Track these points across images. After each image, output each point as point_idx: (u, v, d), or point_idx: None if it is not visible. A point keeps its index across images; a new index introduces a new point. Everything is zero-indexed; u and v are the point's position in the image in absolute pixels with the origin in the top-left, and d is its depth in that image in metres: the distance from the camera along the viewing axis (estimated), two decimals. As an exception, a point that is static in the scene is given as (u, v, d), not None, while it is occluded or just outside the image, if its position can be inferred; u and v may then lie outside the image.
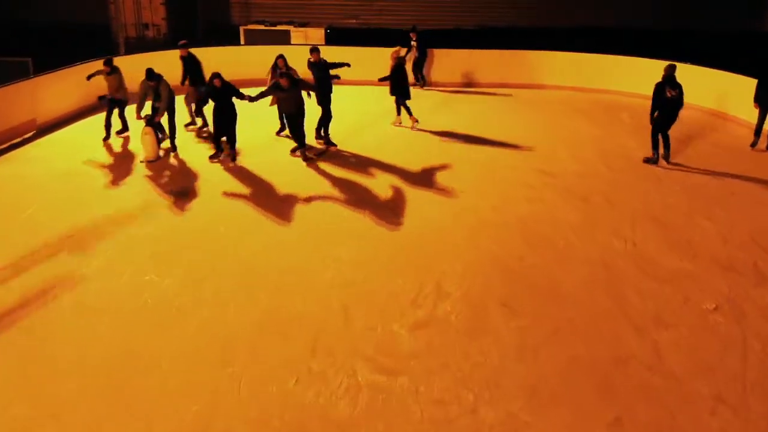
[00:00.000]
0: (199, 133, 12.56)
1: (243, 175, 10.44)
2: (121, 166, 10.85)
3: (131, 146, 11.80)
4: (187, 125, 12.70)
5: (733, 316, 6.75)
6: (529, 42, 17.52)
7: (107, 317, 6.68)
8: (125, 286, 7.23)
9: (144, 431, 5.18)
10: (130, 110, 11.82)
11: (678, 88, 10.64)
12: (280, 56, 11.69)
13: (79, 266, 7.63)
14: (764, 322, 6.66)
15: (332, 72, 11.71)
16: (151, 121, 10.91)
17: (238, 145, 11.03)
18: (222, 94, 10.50)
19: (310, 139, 11.53)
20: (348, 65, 11.88)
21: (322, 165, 10.87)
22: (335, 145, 11.80)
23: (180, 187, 9.82)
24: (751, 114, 12.72)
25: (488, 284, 7.30)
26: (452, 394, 5.55)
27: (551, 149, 11.96)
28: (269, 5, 21.47)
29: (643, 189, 10.10)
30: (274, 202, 9.43)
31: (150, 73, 11.01)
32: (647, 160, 11.26)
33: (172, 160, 11.14)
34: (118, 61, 13.88)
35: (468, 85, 16.79)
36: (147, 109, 11.26)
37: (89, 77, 12.18)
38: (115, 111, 12.09)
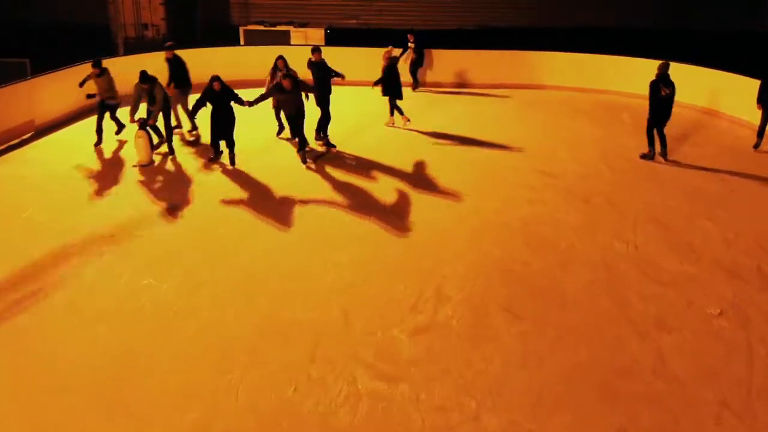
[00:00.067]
0: (183, 136, 12.34)
1: (242, 178, 10.36)
2: (116, 170, 10.69)
3: (126, 150, 11.60)
4: (173, 129, 12.29)
5: (737, 321, 6.67)
6: (530, 42, 17.44)
7: (104, 321, 6.60)
8: (123, 290, 7.15)
9: (141, 440, 5.11)
10: (123, 113, 11.64)
11: (672, 86, 10.77)
12: (280, 57, 11.64)
13: (77, 269, 7.55)
14: (769, 327, 6.59)
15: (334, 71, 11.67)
16: (145, 125, 10.75)
17: (236, 148, 10.90)
18: (221, 98, 10.37)
19: (310, 140, 11.42)
20: (342, 77, 11.78)
21: (323, 167, 10.79)
22: (335, 147, 11.72)
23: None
24: (753, 115, 12.66)
25: (490, 288, 7.22)
26: (454, 402, 5.46)
27: (552, 150, 11.89)
28: (269, 5, 21.39)
29: (645, 190, 10.02)
30: (273, 206, 9.35)
31: (143, 76, 10.83)
32: (644, 156, 11.39)
33: (169, 164, 11.00)
34: (118, 62, 13.85)
35: (468, 85, 16.71)
36: (141, 112, 11.12)
37: (81, 84, 11.87)
38: (107, 114, 11.77)
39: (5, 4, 21.42)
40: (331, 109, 11.76)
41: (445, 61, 16.93)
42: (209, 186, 10.05)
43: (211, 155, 10.99)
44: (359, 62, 13.54)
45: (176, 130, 12.33)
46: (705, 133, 13.15)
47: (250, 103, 10.58)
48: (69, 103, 13.37)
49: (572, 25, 19.79)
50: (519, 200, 9.61)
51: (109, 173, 10.56)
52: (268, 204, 9.40)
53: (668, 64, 10.88)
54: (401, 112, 12.96)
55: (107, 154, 11.53)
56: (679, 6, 19.51)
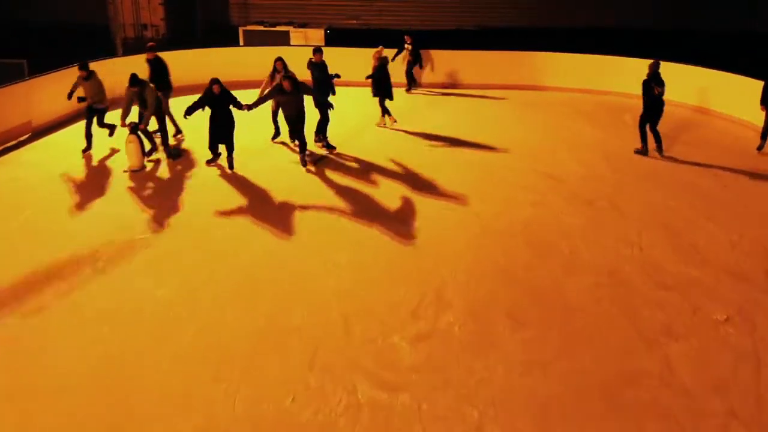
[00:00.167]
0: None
1: (240, 181, 10.22)
2: (108, 175, 10.49)
3: (118, 155, 11.27)
4: (154, 132, 11.87)
5: (744, 327, 6.54)
6: (530, 42, 17.35)
7: (101, 325, 6.48)
8: (119, 294, 7.02)
9: (135, 451, 4.99)
10: (114, 118, 11.35)
11: (663, 84, 10.93)
12: (279, 59, 11.47)
13: (74, 272, 7.43)
14: (777, 334, 6.46)
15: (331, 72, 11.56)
16: (136, 129, 10.52)
17: (234, 151, 10.75)
18: (220, 102, 10.21)
19: (310, 142, 11.28)
20: (338, 76, 11.67)
21: (322, 170, 10.65)
22: (334, 148, 11.59)
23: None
24: (753, 115, 12.57)
25: (492, 293, 7.09)
26: (456, 412, 5.32)
27: (553, 151, 11.78)
28: (268, 6, 21.27)
29: (648, 192, 9.90)
30: (272, 209, 9.22)
31: (134, 79, 10.60)
32: (638, 151, 11.56)
33: (163, 168, 10.80)
34: (117, 62, 13.75)
35: (468, 86, 16.58)
36: (134, 116, 10.89)
37: (70, 95, 11.37)
38: (96, 120, 11.38)
39: (5, 4, 21.33)
40: (339, 110, 11.63)
41: (444, 62, 16.83)
42: (207, 189, 9.92)
43: (209, 158, 10.86)
44: (359, 63, 13.40)
45: (177, 136, 12.16)
46: (705, 134, 13.06)
47: (249, 107, 10.42)
48: (66, 105, 13.14)
49: (572, 25, 19.71)
50: (520, 202, 9.49)
51: (101, 178, 10.35)
52: (267, 207, 9.27)
53: (659, 63, 11.02)
54: (388, 113, 12.95)
55: (100, 158, 11.25)
56: (679, 6, 19.45)
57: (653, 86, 10.91)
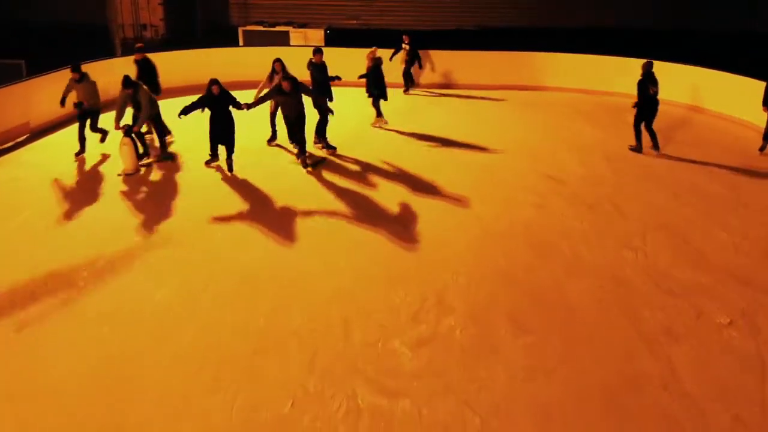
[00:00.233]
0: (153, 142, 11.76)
1: (239, 183, 10.14)
2: (106, 177, 10.38)
3: (114, 157, 11.04)
4: (147, 133, 11.79)
5: (748, 331, 6.47)
6: (530, 42, 17.32)
7: (99, 327, 6.42)
8: (118, 296, 6.94)
9: (131, 458, 4.92)
10: (107, 121, 11.12)
11: (657, 83, 11.20)
12: (278, 60, 11.37)
13: (72, 274, 7.35)
14: (782, 338, 6.38)
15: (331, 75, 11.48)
16: (130, 132, 10.35)
17: (234, 153, 10.65)
18: (220, 103, 10.11)
19: (309, 144, 11.21)
20: (339, 78, 11.57)
21: (322, 173, 10.57)
22: (335, 149, 11.52)
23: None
24: (755, 116, 12.52)
25: (493, 297, 7.01)
26: (457, 418, 5.24)
27: (554, 152, 11.72)
28: (268, 6, 21.22)
29: (650, 194, 9.83)
30: (271, 211, 9.14)
31: (126, 81, 10.45)
32: (632, 149, 11.74)
33: (158, 171, 10.66)
34: (116, 62, 13.67)
35: (467, 87, 16.52)
36: (127, 118, 10.75)
37: (62, 102, 11.10)
38: (89, 124, 11.15)
39: (5, 4, 21.26)
40: (338, 112, 11.58)
41: (444, 62, 16.77)
42: (205, 191, 9.84)
43: (208, 158, 10.77)
44: (359, 63, 13.31)
45: (147, 136, 11.70)
46: (706, 134, 13.03)
47: (249, 106, 10.35)
48: (68, 105, 13.14)
49: (572, 25, 19.67)
50: (521, 204, 9.42)
51: (96, 181, 10.21)
52: (266, 209, 9.20)
53: (652, 63, 11.32)
54: (380, 113, 12.93)
55: (96, 161, 11.07)
56: (679, 6, 19.44)
57: (648, 86, 11.12)
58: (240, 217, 8.94)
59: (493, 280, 7.35)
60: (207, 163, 10.71)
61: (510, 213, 9.11)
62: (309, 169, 10.64)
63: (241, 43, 19.86)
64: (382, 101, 12.94)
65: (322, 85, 11.39)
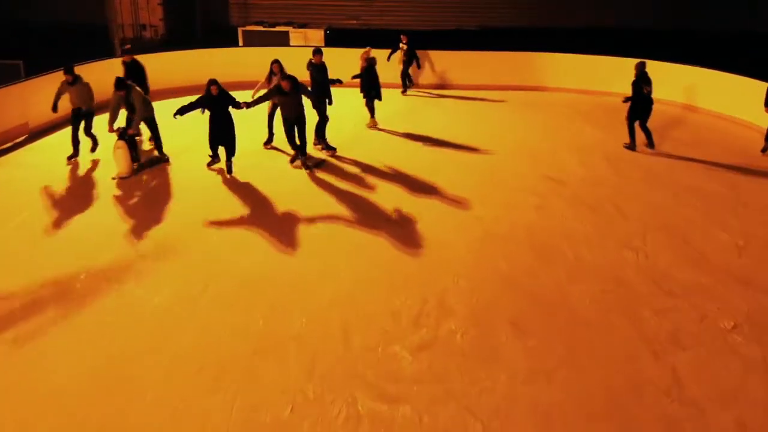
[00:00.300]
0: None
1: (238, 185, 10.06)
2: (100, 181, 10.24)
3: (107, 161, 10.81)
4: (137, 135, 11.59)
5: (752, 335, 6.40)
6: (530, 42, 17.27)
7: (97, 330, 6.36)
8: (116, 299, 6.88)
9: (129, 464, 4.86)
10: (100, 123, 10.86)
11: (650, 83, 11.40)
12: (275, 61, 11.29)
13: (68, 278, 7.29)
14: (786, 342, 6.32)
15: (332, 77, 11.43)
16: (124, 135, 10.19)
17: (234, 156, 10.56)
18: (219, 103, 10.02)
19: (309, 145, 11.13)
20: (340, 81, 11.55)
21: (321, 174, 10.50)
22: (335, 149, 11.45)
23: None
24: (756, 116, 12.48)
25: (495, 300, 6.95)
26: (458, 424, 5.18)
27: (555, 153, 11.67)
28: (268, 6, 21.18)
29: (651, 195, 9.78)
30: (270, 214, 9.07)
31: (119, 82, 10.26)
32: (626, 146, 11.86)
33: (153, 175, 10.53)
34: (115, 63, 13.54)
35: (467, 87, 16.46)
36: (121, 121, 10.60)
37: (54, 107, 10.85)
38: (83, 127, 10.92)
39: (5, 4, 21.22)
40: (330, 113, 11.51)
41: (443, 63, 16.71)
42: (202, 194, 9.76)
43: (209, 160, 10.69)
44: (359, 64, 13.25)
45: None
46: (706, 134, 13.02)
47: (248, 105, 10.27)
48: (64, 106, 13.04)
49: (572, 25, 19.64)
50: (522, 205, 9.36)
51: (91, 185, 10.10)
52: (265, 212, 9.13)
53: (645, 63, 11.57)
54: (372, 114, 12.91)
55: (92, 164, 10.93)
56: (679, 6, 19.43)
57: (642, 86, 11.31)
58: (239, 219, 8.87)
59: (494, 283, 7.29)
60: (209, 165, 10.63)
61: (511, 215, 9.05)
62: (309, 170, 10.56)
63: (240, 43, 19.81)
64: (377, 102, 12.89)
65: (321, 86, 11.32)
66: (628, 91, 11.75)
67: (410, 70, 15.98)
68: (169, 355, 6.03)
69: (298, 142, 10.65)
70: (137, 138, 11.16)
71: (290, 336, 6.29)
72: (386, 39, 15.77)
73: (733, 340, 6.32)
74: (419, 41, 16.21)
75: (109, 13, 20.30)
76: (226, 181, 10.19)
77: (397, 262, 7.75)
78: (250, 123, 11.83)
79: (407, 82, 15.97)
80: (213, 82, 9.93)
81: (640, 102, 11.48)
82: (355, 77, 12.62)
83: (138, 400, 5.44)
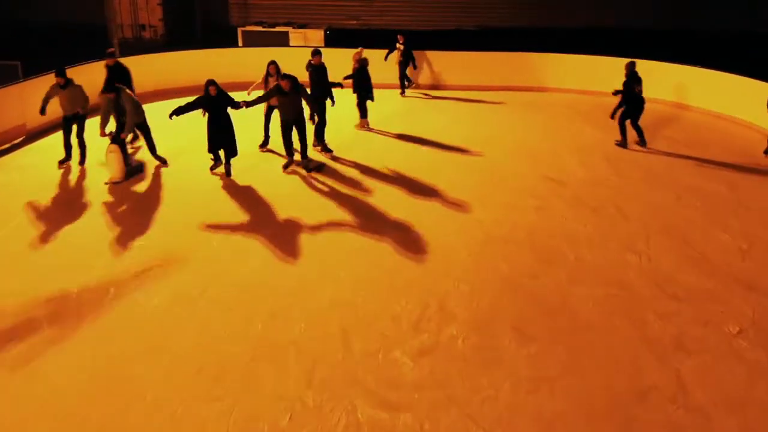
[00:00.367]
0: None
1: (237, 188, 9.96)
2: (95, 184, 10.05)
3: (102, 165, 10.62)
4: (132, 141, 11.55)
5: (758, 340, 6.31)
6: (529, 42, 17.19)
7: (94, 334, 6.28)
8: (111, 307, 6.78)
9: (125, 474, 4.78)
10: (92, 127, 10.68)
11: (640, 82, 11.60)
12: (272, 62, 11.15)
13: (65, 281, 7.20)
14: (792, 347, 6.23)
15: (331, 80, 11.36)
16: (117, 139, 10.00)
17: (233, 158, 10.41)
18: (217, 104, 9.88)
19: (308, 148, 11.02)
20: (341, 85, 11.48)
21: (320, 176, 10.38)
22: (331, 151, 11.37)
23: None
24: (758, 117, 12.42)
25: (496, 304, 6.86)
26: (460, 432, 5.11)
27: (555, 154, 11.59)
28: (268, 6, 21.11)
29: (653, 196, 9.70)
30: (269, 217, 8.96)
31: (108, 85, 10.03)
32: (618, 144, 12.02)
33: (147, 180, 10.36)
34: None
35: (467, 88, 16.36)
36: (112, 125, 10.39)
37: (42, 110, 10.57)
38: (75, 131, 10.59)
39: (5, 4, 21.14)
40: (329, 114, 11.42)
41: (443, 63, 16.61)
42: (200, 197, 9.64)
43: (211, 163, 10.56)
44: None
45: (135, 143, 11.57)
46: (706, 134, 12.96)
47: (248, 104, 10.13)
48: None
49: (572, 25, 19.57)
50: (523, 207, 9.27)
51: (88, 189, 9.96)
52: (264, 215, 9.02)
53: (635, 63, 11.75)
54: (364, 115, 12.85)
55: (88, 167, 10.74)
56: (679, 6, 19.38)
57: (633, 85, 11.51)
58: (237, 222, 8.78)
59: (496, 287, 7.20)
60: (212, 168, 10.43)
61: (511, 217, 8.96)
62: (310, 172, 10.45)
63: (240, 43, 19.73)
64: (370, 103, 12.83)
65: (321, 87, 11.23)
66: (642, 94, 11.82)
67: (408, 71, 15.87)
68: (168, 357, 5.96)
69: (298, 145, 10.54)
70: (131, 143, 11.02)
71: (289, 341, 6.20)
72: (386, 39, 15.67)
73: (738, 345, 6.23)
74: (419, 41, 16.11)
75: (108, 14, 20.20)
76: (224, 184, 10.09)
77: (397, 265, 7.66)
78: (247, 124, 11.67)
79: (406, 83, 15.86)
80: (211, 82, 9.80)
81: (631, 101, 11.63)
82: (347, 78, 12.50)
83: (137, 402, 5.38)
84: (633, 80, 11.53)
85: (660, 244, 8.24)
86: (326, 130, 11.55)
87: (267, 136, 11.61)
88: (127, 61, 14.82)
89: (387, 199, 9.47)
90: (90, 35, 19.16)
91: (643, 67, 14.66)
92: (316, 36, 19.51)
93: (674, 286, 7.27)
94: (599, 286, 7.25)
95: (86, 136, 10.81)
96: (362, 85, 12.52)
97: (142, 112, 10.43)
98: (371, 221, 8.76)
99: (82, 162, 10.79)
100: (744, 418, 5.29)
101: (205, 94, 9.82)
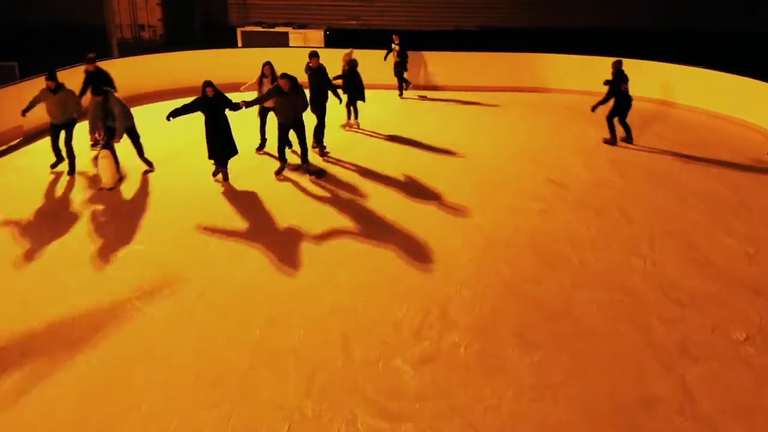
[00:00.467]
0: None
1: (233, 191, 9.82)
2: (88, 191, 9.87)
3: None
4: (93, 145, 11.29)
5: (765, 346, 6.21)
6: (530, 43, 17.07)
7: (91, 339, 6.16)
8: (105, 313, 6.65)
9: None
10: (82, 131, 10.47)
11: (627, 80, 11.77)
12: (267, 63, 11.01)
13: (60, 287, 7.09)
14: (800, 354, 6.13)
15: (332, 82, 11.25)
16: (109, 144, 9.80)
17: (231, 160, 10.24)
18: (215, 105, 9.71)
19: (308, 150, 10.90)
20: (338, 97, 11.40)
21: (319, 180, 10.20)
22: (328, 153, 11.25)
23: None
24: (760, 117, 12.34)
25: (499, 310, 6.74)
26: (462, 442, 5.00)
27: (557, 156, 11.48)
28: (267, 6, 20.98)
29: (658, 199, 9.59)
30: (267, 221, 8.82)
31: (96, 88, 9.81)
32: (606, 141, 12.18)
33: (141, 185, 10.24)
34: (114, 63, 13.33)
35: (466, 89, 16.25)
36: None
37: (26, 111, 10.26)
38: (63, 136, 10.29)
39: (5, 4, 21.03)
40: (328, 116, 11.31)
41: (442, 64, 16.50)
42: (197, 200, 9.51)
43: (202, 164, 10.43)
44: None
45: (96, 147, 11.09)
46: (709, 135, 12.87)
47: (247, 104, 9.94)
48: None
49: (572, 25, 19.48)
50: (525, 211, 9.15)
51: (86, 191, 9.84)
52: (262, 219, 8.88)
53: (621, 61, 11.84)
54: (353, 115, 12.81)
55: (83, 172, 10.56)
56: (679, 6, 19.30)
57: (620, 83, 11.68)
58: (235, 226, 8.66)
59: (498, 292, 7.09)
60: (214, 174, 10.22)
61: (514, 220, 8.85)
62: (311, 176, 10.30)
63: (239, 44, 19.62)
64: (361, 104, 12.74)
65: (320, 89, 11.11)
66: (634, 93, 11.73)
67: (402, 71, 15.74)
68: (165, 364, 5.85)
69: (298, 149, 10.41)
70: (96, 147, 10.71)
71: (288, 348, 6.09)
72: (386, 39, 15.55)
73: (745, 352, 6.12)
74: (419, 42, 16.00)
75: (107, 14, 20.10)
76: (221, 187, 9.95)
77: (398, 270, 7.54)
78: (243, 127, 11.51)
79: (403, 84, 15.73)
80: (208, 83, 9.64)
81: (618, 99, 11.78)
82: (336, 78, 12.37)
83: (133, 412, 5.28)
84: (620, 78, 11.68)
85: (664, 247, 8.13)
86: (325, 131, 11.43)
87: (264, 139, 11.47)
88: (126, 62, 14.82)
89: (386, 203, 9.35)
90: (89, 35, 19.04)
91: (643, 67, 14.68)
92: (316, 36, 19.39)
93: (679, 290, 7.16)
94: (603, 290, 7.14)
95: (74, 143, 10.52)
96: (352, 85, 12.41)
97: (131, 116, 10.21)
98: (371, 225, 8.64)
99: (71, 172, 10.42)
100: (751, 426, 5.19)
101: (202, 95, 9.68)
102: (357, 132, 12.75)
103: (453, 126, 13.35)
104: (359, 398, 5.42)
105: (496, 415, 5.26)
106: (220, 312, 6.69)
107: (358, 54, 13.57)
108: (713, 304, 6.91)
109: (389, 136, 12.55)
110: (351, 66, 12.42)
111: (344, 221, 8.77)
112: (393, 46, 15.38)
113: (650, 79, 14.90)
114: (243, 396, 5.47)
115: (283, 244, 8.10)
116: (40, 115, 12.02)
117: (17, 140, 12.07)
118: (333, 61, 12.31)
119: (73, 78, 11.40)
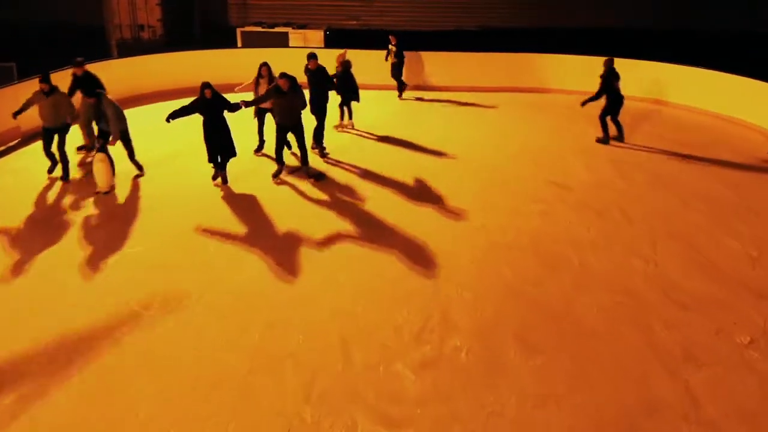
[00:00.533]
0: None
1: (232, 193, 9.74)
2: (84, 194, 9.71)
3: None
4: (79, 148, 11.21)
5: (769, 351, 6.15)
6: (529, 43, 17.03)
7: (88, 342, 6.10)
8: (102, 317, 6.58)
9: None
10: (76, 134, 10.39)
11: (618, 78, 11.76)
12: (264, 64, 10.92)
13: (56, 290, 7.03)
14: (805, 358, 6.06)
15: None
16: (104, 147, 9.65)
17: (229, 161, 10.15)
18: (213, 107, 9.60)
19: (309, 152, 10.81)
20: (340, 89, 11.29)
21: (319, 183, 10.10)
22: (327, 154, 11.18)
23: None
24: (760, 117, 12.30)
25: (500, 313, 6.68)
26: (464, 450, 4.93)
27: (559, 157, 11.41)
28: (267, 6, 20.92)
29: (659, 200, 9.54)
30: (267, 225, 8.74)
31: (88, 90, 9.61)
32: (599, 140, 12.14)
33: (137, 188, 10.05)
34: (113, 64, 13.25)
35: (466, 89, 16.17)
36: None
37: (17, 113, 10.06)
38: (56, 141, 10.04)
39: (4, 4, 20.97)
40: (328, 117, 11.24)
41: (442, 64, 16.43)
42: (196, 202, 9.43)
43: (201, 166, 10.34)
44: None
45: (82, 150, 11.20)
46: (711, 136, 12.82)
47: (247, 104, 9.84)
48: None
49: (572, 25, 19.43)
50: (527, 213, 9.09)
51: (84, 193, 9.71)
52: (261, 222, 8.80)
53: (613, 60, 11.85)
54: (342, 117, 12.74)
55: (80, 175, 10.43)
56: (679, 6, 19.26)
57: (612, 81, 11.66)
58: (234, 229, 8.58)
59: (500, 295, 7.02)
60: (214, 178, 10.12)
61: (515, 222, 8.78)
62: (311, 179, 10.22)
63: (239, 44, 19.55)
64: (356, 105, 12.69)
65: (320, 91, 11.03)
66: (629, 92, 11.77)
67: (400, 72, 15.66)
68: (163, 368, 5.79)
69: (298, 151, 10.34)
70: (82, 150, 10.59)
71: (287, 352, 6.02)
72: (386, 40, 15.49)
73: (749, 356, 6.06)
74: (419, 42, 15.93)
75: (106, 14, 20.03)
76: (220, 189, 9.88)
77: (398, 273, 7.47)
78: (245, 130, 11.44)
79: (402, 85, 15.65)
80: (207, 85, 9.54)
81: (611, 97, 11.76)
82: (330, 78, 12.30)
83: (130, 418, 5.21)
84: (612, 76, 11.66)
85: (666, 249, 8.07)
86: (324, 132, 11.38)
87: (262, 140, 11.38)
88: (126, 62, 14.74)
89: (386, 205, 9.28)
90: (89, 36, 18.99)
91: (641, 67, 14.63)
92: (316, 36, 19.32)
93: (681, 293, 7.10)
94: (605, 292, 7.08)
95: (66, 148, 10.32)
96: (345, 86, 12.33)
97: (125, 118, 10.06)
98: (371, 228, 8.57)
99: (65, 177, 10.22)
100: (756, 430, 5.12)
101: (200, 96, 9.59)
102: (356, 133, 12.68)
103: (453, 127, 13.29)
104: (359, 404, 5.35)
105: (499, 423, 5.19)
106: (219, 315, 6.62)
107: (359, 54, 13.54)
108: (716, 307, 6.85)
109: (389, 137, 12.48)
110: (345, 67, 12.34)
111: (344, 224, 8.69)
112: (390, 47, 15.32)
113: (650, 79, 14.84)
114: (242, 402, 5.40)
115: (282, 248, 8.03)
116: (38, 116, 11.98)
117: (15, 141, 12.00)
118: (333, 62, 12.23)
119: (70, 79, 11.31)
